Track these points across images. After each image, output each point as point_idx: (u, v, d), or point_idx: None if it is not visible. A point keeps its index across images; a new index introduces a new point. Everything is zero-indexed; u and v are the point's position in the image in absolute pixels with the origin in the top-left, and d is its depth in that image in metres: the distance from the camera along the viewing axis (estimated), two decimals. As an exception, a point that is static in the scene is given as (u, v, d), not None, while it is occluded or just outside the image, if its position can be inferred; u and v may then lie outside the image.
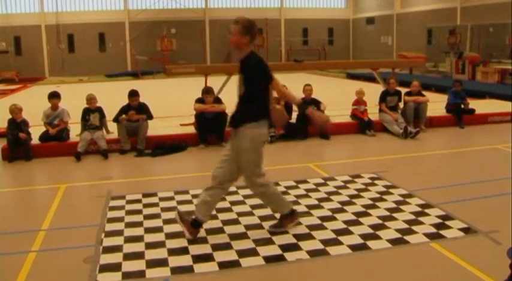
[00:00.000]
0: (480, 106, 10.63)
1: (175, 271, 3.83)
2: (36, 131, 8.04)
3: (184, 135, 8.55)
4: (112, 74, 26.56)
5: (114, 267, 3.89)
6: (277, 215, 4.79)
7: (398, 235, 4.39)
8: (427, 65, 21.63)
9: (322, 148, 8.42)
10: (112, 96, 12.04)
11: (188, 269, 3.85)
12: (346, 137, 8.94)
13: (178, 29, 29.76)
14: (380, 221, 4.73)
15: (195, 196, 5.61)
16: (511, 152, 7.37)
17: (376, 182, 6.05)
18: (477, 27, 21.68)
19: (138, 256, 4.08)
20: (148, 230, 4.63)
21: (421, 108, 9.29)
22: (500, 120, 10.04)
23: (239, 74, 4.33)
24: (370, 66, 11.38)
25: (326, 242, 4.27)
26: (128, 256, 4.08)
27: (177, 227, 4.67)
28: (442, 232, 4.43)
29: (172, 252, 4.14)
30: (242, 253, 4.09)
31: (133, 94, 8.13)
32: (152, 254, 4.11)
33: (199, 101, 8.31)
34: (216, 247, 4.21)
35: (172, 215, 5.01)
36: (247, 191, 5.69)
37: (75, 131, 8.18)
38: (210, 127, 8.27)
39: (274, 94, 4.58)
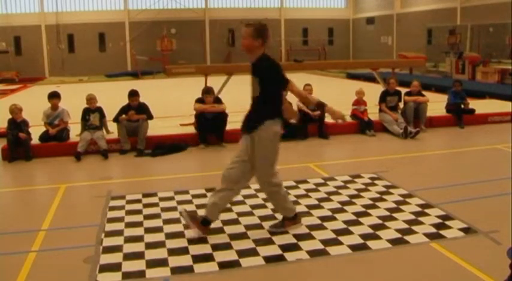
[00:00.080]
0: (480, 106, 10.63)
1: (175, 271, 3.83)
2: (36, 131, 8.04)
3: (184, 135, 8.55)
4: (112, 74, 26.56)
5: (114, 267, 3.89)
6: (278, 215, 4.79)
7: (398, 235, 4.39)
8: (427, 65, 21.63)
9: (322, 148, 8.42)
10: (112, 96, 12.04)
11: (188, 269, 3.85)
12: (346, 137, 8.94)
13: (178, 29, 29.76)
14: (380, 221, 4.73)
15: (195, 196, 5.63)
16: (511, 152, 7.37)
17: (376, 182, 6.05)
18: (477, 27, 21.68)
19: (138, 256, 4.08)
20: (148, 230, 4.63)
21: (421, 108, 9.29)
22: (500, 120, 10.04)
23: (252, 77, 4.32)
24: (370, 66, 11.38)
25: (326, 242, 4.27)
26: (128, 256, 4.08)
27: (177, 227, 4.68)
28: (442, 232, 4.43)
29: (172, 252, 4.14)
30: (242, 253, 4.09)
31: (133, 94, 8.13)
32: (152, 254, 4.11)
33: (199, 101, 8.31)
34: (216, 247, 4.21)
35: (172, 215, 5.03)
36: (247, 191, 5.70)
37: (75, 131, 8.17)
38: (210, 127, 8.27)
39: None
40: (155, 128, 8.50)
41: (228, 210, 5.13)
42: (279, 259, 4.01)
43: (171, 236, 4.48)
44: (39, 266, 3.95)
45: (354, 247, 4.18)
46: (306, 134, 8.68)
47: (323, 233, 4.49)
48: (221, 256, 4.05)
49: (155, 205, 5.38)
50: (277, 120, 4.33)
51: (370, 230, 4.51)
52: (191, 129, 8.71)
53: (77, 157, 7.54)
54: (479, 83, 17.45)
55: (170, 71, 10.28)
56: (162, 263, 3.94)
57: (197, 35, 29.92)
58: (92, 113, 8.10)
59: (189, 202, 5.45)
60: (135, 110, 8.02)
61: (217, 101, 8.41)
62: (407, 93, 9.46)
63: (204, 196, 5.64)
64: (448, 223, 4.64)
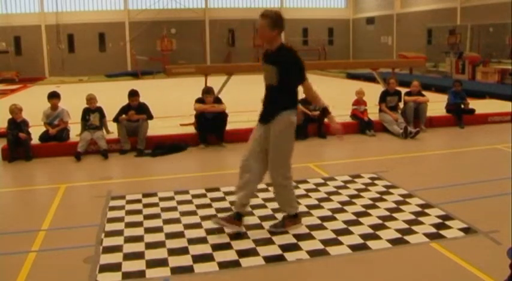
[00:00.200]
0: (480, 106, 10.63)
1: (175, 271, 3.83)
2: (36, 131, 8.04)
3: (184, 135, 8.55)
4: (112, 74, 26.55)
5: (114, 267, 3.89)
6: (278, 215, 4.79)
7: (398, 235, 4.39)
8: (427, 65, 21.63)
9: (322, 148, 8.42)
10: (112, 96, 12.04)
11: (188, 269, 3.85)
12: (346, 137, 8.81)
13: (178, 29, 29.76)
14: (380, 221, 4.73)
15: (195, 196, 5.63)
16: (511, 152, 7.37)
17: (376, 182, 6.05)
18: (477, 27, 21.68)
19: (138, 256, 4.08)
20: (148, 230, 4.63)
21: (421, 108, 9.29)
22: (500, 120, 10.04)
23: (267, 65, 4.32)
24: (370, 66, 11.38)
25: (326, 242, 4.27)
26: (128, 256, 4.08)
27: (177, 227, 4.68)
28: (442, 232, 4.43)
29: (172, 252, 4.14)
30: (242, 253, 4.09)
31: (133, 94, 8.13)
32: (152, 254, 4.11)
33: (199, 101, 8.31)
34: (216, 247, 4.21)
35: (172, 215, 5.03)
36: (247, 191, 5.70)
37: (75, 131, 8.17)
38: (210, 127, 8.27)
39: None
40: (155, 128, 8.49)
41: (228, 210, 5.13)
42: (279, 259, 4.01)
43: (171, 236, 4.48)
44: (39, 266, 3.95)
45: (354, 247, 4.17)
46: (306, 134, 8.67)
47: (323, 233, 4.49)
48: (221, 256, 4.05)
49: (155, 205, 5.38)
50: (293, 111, 4.35)
51: (370, 230, 4.51)
52: (191, 129, 8.70)
53: (77, 157, 7.54)
54: (479, 83, 17.45)
55: (170, 71, 10.27)
56: (162, 263, 3.94)
57: (197, 35, 29.92)
58: (92, 113, 8.10)
59: (189, 202, 5.45)
60: (135, 110, 8.02)
61: (217, 101, 8.41)
62: (407, 93, 9.46)
63: (204, 196, 5.64)
64: (448, 223, 4.64)
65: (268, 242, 4.31)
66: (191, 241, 4.34)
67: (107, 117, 8.35)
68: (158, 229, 4.66)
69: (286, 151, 4.40)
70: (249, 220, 4.82)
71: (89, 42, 29.16)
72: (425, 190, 5.63)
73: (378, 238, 4.35)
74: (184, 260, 3.99)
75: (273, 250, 4.15)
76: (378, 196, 5.53)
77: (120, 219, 4.95)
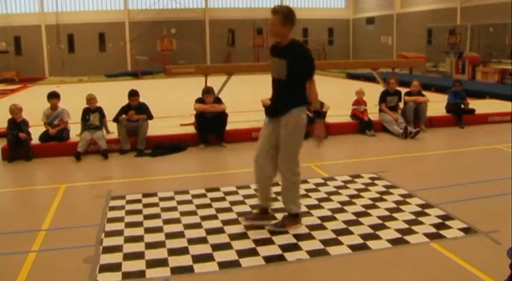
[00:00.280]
0: (480, 106, 10.63)
1: (175, 271, 3.83)
2: (36, 131, 8.04)
3: (184, 135, 8.55)
4: (112, 74, 26.55)
5: (114, 267, 3.89)
6: (278, 215, 4.79)
7: (398, 235, 4.39)
8: (427, 65, 21.63)
9: (322, 148, 8.33)
10: (112, 96, 12.04)
11: (188, 269, 3.85)
12: (346, 137, 8.94)
13: (178, 29, 29.75)
14: (380, 221, 4.73)
15: (195, 196, 5.62)
16: (511, 152, 7.37)
17: (376, 182, 6.05)
18: (477, 27, 21.68)
19: (138, 256, 4.08)
20: (148, 230, 4.63)
21: (421, 108, 9.29)
22: (500, 120, 10.04)
23: (277, 58, 4.35)
24: (370, 66, 11.38)
25: (326, 242, 4.27)
26: (128, 256, 4.08)
27: (177, 227, 4.68)
28: (442, 232, 4.43)
29: (172, 252, 4.14)
30: (242, 253, 4.09)
31: (133, 94, 8.13)
32: (152, 254, 4.11)
33: (199, 101, 8.31)
34: (216, 247, 4.21)
35: (172, 215, 5.03)
36: (247, 191, 5.71)
37: (75, 131, 8.17)
38: (210, 127, 8.27)
39: None
40: (155, 128, 8.50)
41: (228, 210, 5.13)
42: (279, 259, 4.01)
43: (171, 236, 4.48)
44: (39, 266, 3.95)
45: (354, 247, 4.17)
46: (306, 134, 8.66)
47: (323, 233, 4.49)
48: (221, 256, 4.05)
49: (155, 205, 5.38)
50: (303, 108, 4.38)
51: (370, 230, 4.51)
52: (191, 129, 8.70)
53: (77, 157, 7.54)
54: (479, 83, 17.45)
55: (170, 71, 10.28)
56: (162, 263, 3.94)
57: (197, 35, 29.91)
58: (92, 113, 8.10)
59: (189, 202, 5.45)
60: (135, 110, 8.02)
61: (218, 101, 8.41)
62: (407, 93, 9.46)
63: (204, 196, 5.64)
64: (448, 223, 4.64)
65: (268, 242, 4.31)
66: (191, 241, 4.34)
67: (107, 117, 8.35)
68: (158, 229, 4.66)
69: (296, 147, 4.44)
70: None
71: (89, 42, 29.16)
72: (425, 190, 5.63)
73: (378, 238, 4.35)
74: (184, 260, 3.99)
75: (273, 250, 4.14)
76: (378, 196, 5.52)
77: (120, 219, 4.95)
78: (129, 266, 3.90)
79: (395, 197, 5.44)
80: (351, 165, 7.10)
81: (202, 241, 4.36)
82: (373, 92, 10.66)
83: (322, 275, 3.77)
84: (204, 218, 4.92)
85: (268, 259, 3.99)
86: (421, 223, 4.66)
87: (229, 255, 4.07)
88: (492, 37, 21.20)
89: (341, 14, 33.38)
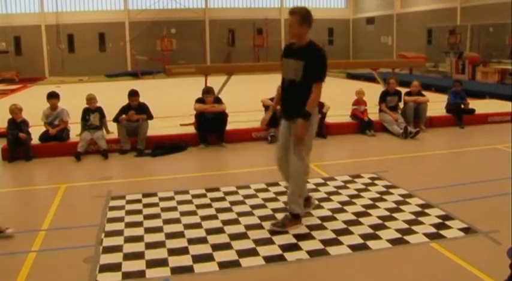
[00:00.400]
0: (480, 106, 10.63)
1: (175, 271, 3.83)
2: (36, 131, 8.04)
3: (184, 135, 8.55)
4: (112, 74, 26.56)
5: (114, 267, 3.89)
6: (278, 215, 4.80)
7: (398, 235, 4.39)
8: (427, 65, 21.64)
9: (322, 148, 8.42)
10: (112, 96, 12.04)
11: (188, 269, 3.85)
12: (346, 137, 8.94)
13: (178, 29, 29.75)
14: (380, 221, 4.73)
15: (195, 196, 5.62)
16: (511, 152, 7.37)
17: (376, 182, 6.05)
18: (477, 27, 21.69)
19: (138, 256, 4.08)
20: (148, 230, 4.63)
21: (421, 108, 9.29)
22: (500, 120, 10.04)
23: (293, 60, 4.38)
24: (370, 66, 11.38)
25: (326, 242, 4.27)
26: (128, 256, 4.08)
27: (177, 227, 4.68)
28: (442, 232, 4.43)
29: (172, 252, 4.14)
30: (242, 253, 4.09)
31: (133, 94, 8.13)
32: (152, 254, 4.11)
33: (199, 101, 8.31)
34: (216, 247, 4.21)
35: (172, 215, 5.03)
36: (247, 191, 5.72)
37: (75, 131, 8.17)
38: (210, 127, 8.27)
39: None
40: (155, 128, 8.50)
41: (228, 210, 5.14)
42: (279, 259, 4.01)
43: (171, 236, 4.48)
44: (39, 266, 3.95)
45: (354, 247, 4.18)
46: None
47: (323, 233, 4.49)
48: (221, 256, 4.05)
49: (155, 205, 5.38)
50: (316, 109, 4.46)
51: (370, 230, 4.51)
52: (191, 129, 8.71)
53: (77, 157, 7.54)
54: (479, 83, 17.46)
55: (170, 71, 10.28)
56: (162, 263, 3.94)
57: (197, 35, 29.91)
58: (92, 113, 8.10)
59: (189, 202, 5.45)
60: (135, 110, 8.02)
61: (218, 101, 8.41)
62: (407, 93, 9.46)
63: (204, 196, 5.64)
64: (448, 223, 4.64)
65: (268, 242, 4.31)
66: (191, 241, 4.34)
67: (107, 117, 8.35)
68: (158, 229, 4.66)
69: (308, 144, 4.49)
70: (249, 220, 4.83)
71: (89, 42, 29.16)
72: (425, 190, 5.63)
73: (378, 238, 4.35)
74: (184, 260, 3.99)
75: (273, 250, 4.14)
76: (378, 196, 5.53)
77: (120, 219, 4.95)
78: (129, 266, 3.90)
79: (395, 197, 5.44)
80: (351, 165, 7.10)
81: (202, 241, 4.36)
82: (373, 92, 10.66)
83: (322, 275, 3.77)
84: (204, 218, 4.92)
85: (268, 259, 3.99)
86: (421, 223, 4.66)
87: (229, 255, 4.07)
88: (492, 37, 21.21)
89: (341, 14, 33.38)
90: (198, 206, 5.27)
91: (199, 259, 4.01)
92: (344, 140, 8.74)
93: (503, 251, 3.67)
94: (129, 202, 5.50)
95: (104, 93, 12.66)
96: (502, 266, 3.12)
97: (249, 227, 4.65)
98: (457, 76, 18.33)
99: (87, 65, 28.32)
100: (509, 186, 5.60)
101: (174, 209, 5.22)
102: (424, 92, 9.70)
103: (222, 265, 3.90)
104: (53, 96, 8.16)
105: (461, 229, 4.48)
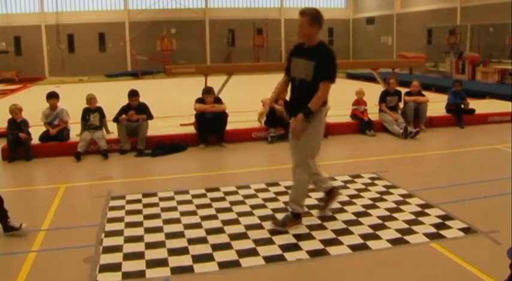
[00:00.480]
0: (480, 106, 10.63)
1: (175, 271, 3.83)
2: (36, 131, 8.04)
3: (184, 135, 8.55)
4: (112, 74, 26.55)
5: (114, 267, 3.89)
6: (278, 216, 4.79)
7: (398, 235, 4.39)
8: (427, 65, 21.64)
9: (322, 148, 8.32)
10: (112, 96, 12.03)
11: (188, 269, 3.85)
12: (346, 137, 8.94)
13: (178, 29, 29.75)
14: (380, 221, 4.73)
15: (195, 196, 5.62)
16: (511, 152, 7.37)
17: (376, 182, 6.05)
18: (477, 27, 21.69)
19: (138, 256, 4.08)
20: (148, 230, 4.63)
21: (421, 108, 9.29)
22: (500, 120, 10.04)
23: (302, 59, 4.40)
24: (370, 66, 11.37)
25: (326, 242, 4.27)
26: (128, 256, 4.08)
27: (177, 227, 4.68)
28: (442, 232, 4.43)
29: (172, 252, 4.14)
30: (242, 253, 4.10)
31: (133, 94, 8.13)
32: (152, 254, 4.11)
33: (199, 101, 8.31)
34: (216, 247, 4.21)
35: (172, 215, 5.03)
36: (247, 191, 5.72)
37: (75, 131, 8.17)
38: (210, 127, 8.27)
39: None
40: (155, 128, 8.49)
41: (228, 210, 5.14)
42: (279, 259, 4.01)
43: (171, 236, 4.48)
44: (39, 266, 3.95)
45: (354, 247, 4.18)
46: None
47: (323, 233, 4.49)
48: (221, 256, 4.05)
49: (155, 205, 5.38)
50: (323, 109, 4.50)
51: (370, 230, 4.51)
52: (191, 129, 8.70)
53: (77, 157, 7.54)
54: (479, 83, 17.46)
55: (170, 71, 10.27)
56: (162, 263, 3.95)
57: (197, 35, 29.91)
58: (92, 113, 8.10)
59: (189, 202, 5.45)
60: (135, 110, 8.02)
61: (218, 101, 8.41)
62: (407, 93, 9.46)
63: (204, 196, 5.64)
64: (448, 223, 4.64)
65: (268, 242, 4.31)
66: (191, 241, 4.34)
67: (107, 117, 8.35)
68: (158, 229, 4.66)
69: (312, 147, 4.54)
70: (249, 220, 4.83)
71: (89, 42, 29.15)
72: (425, 190, 5.63)
73: (378, 238, 4.35)
74: (184, 260, 3.99)
75: (273, 250, 4.15)
76: (378, 196, 5.53)
77: (120, 219, 4.95)
78: (129, 266, 3.90)
79: (395, 197, 5.44)
80: (351, 165, 7.10)
81: (202, 241, 4.36)
82: (373, 92, 10.66)
83: (322, 275, 3.77)
84: (204, 218, 4.92)
85: (268, 259, 3.99)
86: (421, 223, 4.66)
87: (229, 255, 4.07)
88: (492, 37, 21.21)
89: (341, 14, 33.36)
90: (198, 206, 5.27)
91: (199, 259, 4.01)
92: (344, 140, 8.73)
93: (503, 251, 3.67)
94: (129, 202, 5.50)
95: (104, 93, 12.65)
96: (502, 266, 3.12)
97: (249, 227, 4.65)
98: (457, 76, 18.33)
99: (87, 65, 28.31)
100: (509, 186, 5.59)
101: (174, 209, 5.22)
102: (424, 92, 9.69)
103: (222, 265, 3.90)
104: (52, 96, 8.16)
105: (461, 229, 4.48)
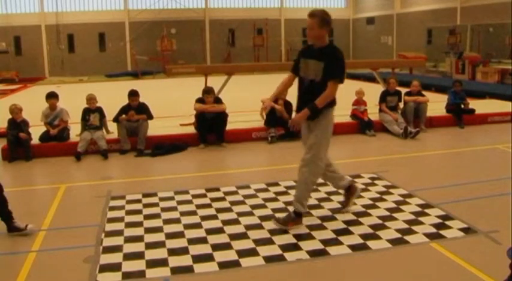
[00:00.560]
0: (480, 106, 10.63)
1: (175, 271, 3.83)
2: (36, 131, 8.04)
3: (184, 135, 8.55)
4: (112, 74, 26.55)
5: (114, 267, 3.89)
6: (278, 216, 4.79)
7: (398, 235, 4.39)
8: (427, 65, 21.59)
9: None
10: (112, 96, 12.03)
11: (188, 269, 3.85)
12: (346, 137, 8.94)
13: (178, 29, 29.75)
14: (380, 221, 4.73)
15: (195, 196, 5.62)
16: (511, 152, 7.37)
17: (376, 182, 6.05)
18: (477, 27, 21.69)
19: (138, 256, 4.08)
20: (148, 230, 4.63)
21: (421, 108, 9.29)
22: (500, 120, 10.04)
23: (312, 60, 4.46)
24: (370, 66, 11.37)
25: (326, 242, 4.28)
26: (128, 256, 4.08)
27: (177, 227, 4.68)
28: (442, 232, 4.43)
29: (172, 252, 4.14)
30: (242, 253, 4.10)
31: (133, 94, 8.13)
32: (152, 254, 4.11)
33: (199, 101, 8.31)
34: (216, 247, 4.21)
35: (172, 215, 5.03)
36: (247, 191, 5.72)
37: (75, 131, 8.17)
38: (210, 127, 8.27)
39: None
40: (155, 128, 8.49)
41: (228, 210, 5.14)
42: (279, 259, 4.01)
43: (171, 236, 4.48)
44: (39, 266, 3.95)
45: (354, 247, 4.18)
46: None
47: (323, 233, 4.49)
48: (221, 256, 4.06)
49: (155, 205, 5.38)
50: (333, 109, 4.54)
51: (370, 230, 4.51)
52: (191, 129, 8.70)
53: (77, 157, 7.54)
54: (479, 83, 17.46)
55: (170, 71, 10.27)
56: (162, 263, 3.95)
57: (197, 35, 29.91)
58: (92, 113, 8.10)
59: (189, 202, 5.45)
60: (135, 110, 8.02)
61: (218, 101, 8.41)
62: (407, 93, 9.46)
63: (204, 196, 5.64)
64: (448, 223, 4.64)
65: (268, 242, 4.31)
66: (191, 241, 4.34)
67: (107, 117, 8.35)
68: (158, 229, 4.66)
69: (325, 144, 4.58)
70: (249, 220, 4.83)
71: (89, 42, 29.15)
72: (425, 190, 5.63)
73: (378, 238, 4.35)
74: (184, 260, 3.99)
75: (273, 250, 4.15)
76: (378, 196, 5.53)
77: (120, 219, 4.95)
78: (129, 266, 3.90)
79: (395, 197, 5.44)
80: (351, 165, 7.09)
81: (202, 241, 4.36)
82: (373, 92, 10.66)
83: (322, 275, 3.77)
84: (204, 218, 4.92)
85: (268, 259, 3.99)
86: (421, 223, 4.66)
87: (229, 255, 4.07)
88: (492, 37, 21.21)
89: (341, 14, 33.34)
90: (198, 206, 5.27)
91: (199, 259, 4.01)
92: (344, 140, 8.73)
93: (503, 251, 3.67)
94: (129, 202, 5.50)
95: (104, 93, 12.65)
96: (502, 266, 3.12)
97: (249, 227, 4.65)
98: (457, 76, 18.34)
99: (87, 65, 28.32)
100: (509, 186, 5.59)
101: (174, 209, 5.22)
102: (424, 92, 9.69)
103: (222, 265, 3.90)
104: (51, 96, 8.16)
105: (461, 229, 4.48)
